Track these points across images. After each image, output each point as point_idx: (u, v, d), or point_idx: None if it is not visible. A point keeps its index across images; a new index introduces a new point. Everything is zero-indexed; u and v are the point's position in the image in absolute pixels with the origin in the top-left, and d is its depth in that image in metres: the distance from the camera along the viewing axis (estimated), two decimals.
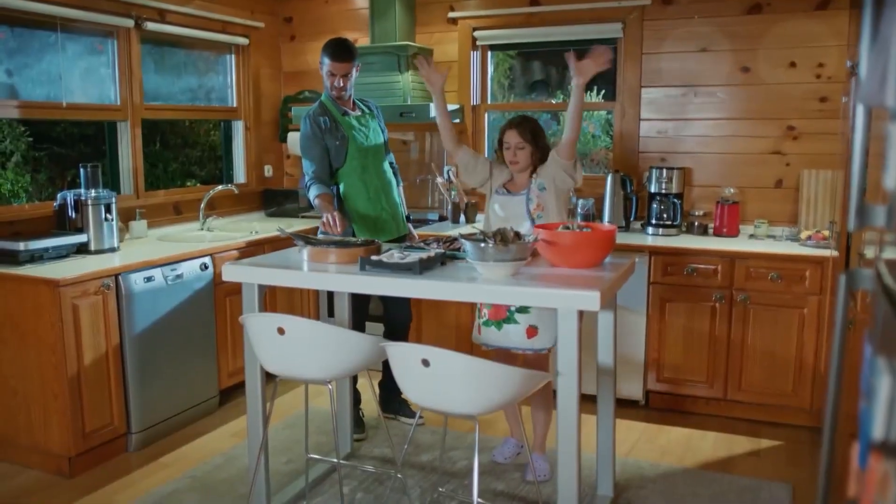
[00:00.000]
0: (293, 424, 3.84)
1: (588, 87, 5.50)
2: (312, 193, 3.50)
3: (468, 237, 2.62)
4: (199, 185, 5.19)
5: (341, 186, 3.62)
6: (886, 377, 0.68)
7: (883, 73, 0.81)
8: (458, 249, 2.88)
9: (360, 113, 3.68)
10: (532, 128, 3.08)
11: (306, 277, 2.77)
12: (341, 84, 3.54)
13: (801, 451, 3.56)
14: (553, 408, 3.22)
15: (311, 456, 3.10)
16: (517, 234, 2.62)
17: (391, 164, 3.82)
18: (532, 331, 3.01)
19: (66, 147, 5.00)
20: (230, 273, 2.80)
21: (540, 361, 3.10)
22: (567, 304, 2.35)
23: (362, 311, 3.68)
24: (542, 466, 3.24)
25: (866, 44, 0.88)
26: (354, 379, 3.66)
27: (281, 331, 2.49)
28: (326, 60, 3.51)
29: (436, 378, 2.27)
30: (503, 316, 3.05)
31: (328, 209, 3.37)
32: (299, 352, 2.52)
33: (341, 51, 3.51)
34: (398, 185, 3.84)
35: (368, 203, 3.61)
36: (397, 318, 3.82)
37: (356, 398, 3.73)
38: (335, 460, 2.91)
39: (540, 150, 3.10)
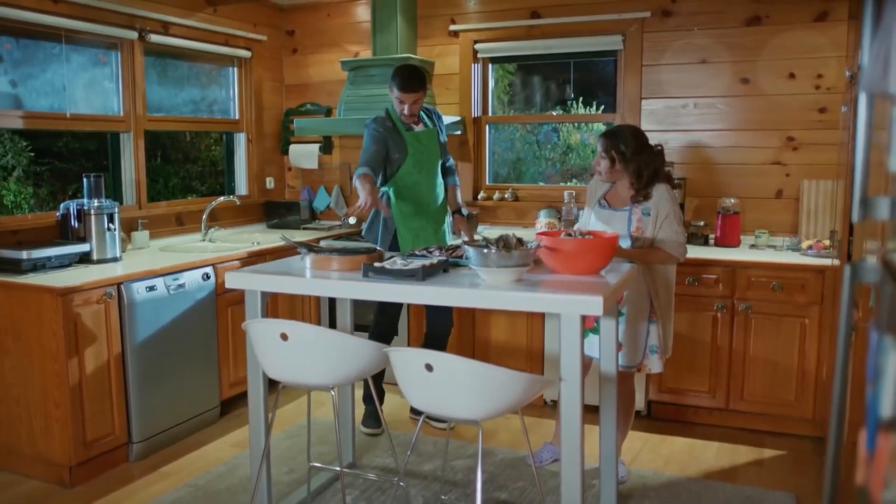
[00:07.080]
0: (295, 435, 3.83)
1: (587, 103, 5.56)
2: (357, 173, 3.46)
3: (471, 243, 2.63)
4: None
5: (391, 196, 3.69)
6: (895, 354, 0.68)
7: (885, 61, 0.83)
8: (461, 257, 2.89)
9: (423, 128, 3.71)
10: (619, 143, 3.03)
11: (309, 284, 2.77)
12: (408, 112, 3.56)
13: (803, 460, 3.55)
14: (631, 416, 3.32)
15: (314, 465, 3.09)
16: (519, 241, 2.63)
17: (449, 165, 3.88)
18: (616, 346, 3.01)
19: (68, 162, 5.00)
20: (233, 280, 2.80)
21: (623, 378, 3.10)
22: (569, 310, 2.35)
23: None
24: (623, 470, 3.31)
25: (868, 33, 0.89)
26: (381, 376, 3.69)
27: (284, 336, 2.49)
28: (395, 90, 3.51)
29: (439, 383, 2.27)
30: (589, 325, 3.07)
31: (364, 187, 3.32)
32: (302, 357, 2.52)
33: (410, 81, 3.50)
34: (456, 185, 3.89)
35: (414, 216, 3.70)
36: (391, 330, 3.83)
37: (380, 395, 3.81)
38: (338, 469, 2.90)
39: (633, 166, 3.03)
